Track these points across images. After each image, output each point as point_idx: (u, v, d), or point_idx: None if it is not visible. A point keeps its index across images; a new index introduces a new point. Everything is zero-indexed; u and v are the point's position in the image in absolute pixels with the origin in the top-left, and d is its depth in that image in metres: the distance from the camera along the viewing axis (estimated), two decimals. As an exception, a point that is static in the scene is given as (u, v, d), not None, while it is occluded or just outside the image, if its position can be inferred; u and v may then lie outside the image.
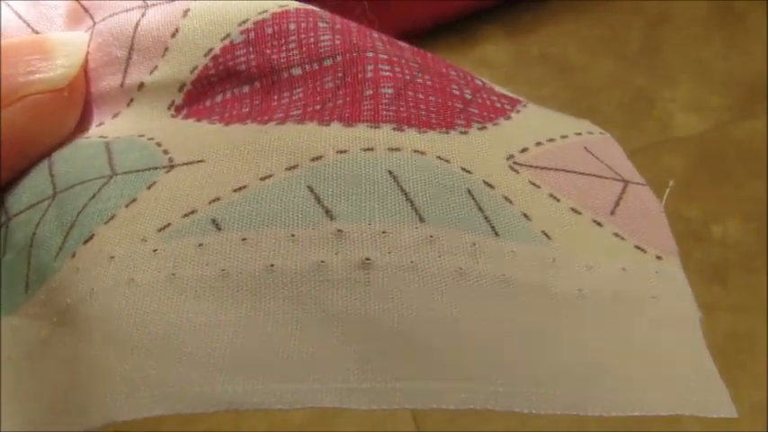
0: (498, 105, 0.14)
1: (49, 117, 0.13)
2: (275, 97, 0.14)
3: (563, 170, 0.14)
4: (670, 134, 0.61)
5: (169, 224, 0.12)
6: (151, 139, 0.13)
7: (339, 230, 0.11)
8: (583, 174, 0.14)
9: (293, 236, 0.11)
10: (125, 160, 0.13)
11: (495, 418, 0.53)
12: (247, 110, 0.14)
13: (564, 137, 0.14)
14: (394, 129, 0.13)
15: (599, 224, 0.13)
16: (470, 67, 0.68)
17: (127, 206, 0.12)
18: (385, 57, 0.14)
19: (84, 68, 0.14)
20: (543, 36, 0.67)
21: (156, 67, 0.14)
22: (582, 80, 0.64)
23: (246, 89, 0.14)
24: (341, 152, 0.12)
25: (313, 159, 0.12)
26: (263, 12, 0.14)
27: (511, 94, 0.15)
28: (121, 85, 0.14)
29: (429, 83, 0.14)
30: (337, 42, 0.14)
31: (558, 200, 0.13)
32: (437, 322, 0.11)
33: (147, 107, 0.14)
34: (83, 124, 0.15)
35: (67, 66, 0.13)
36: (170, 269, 0.11)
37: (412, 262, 0.11)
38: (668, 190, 0.14)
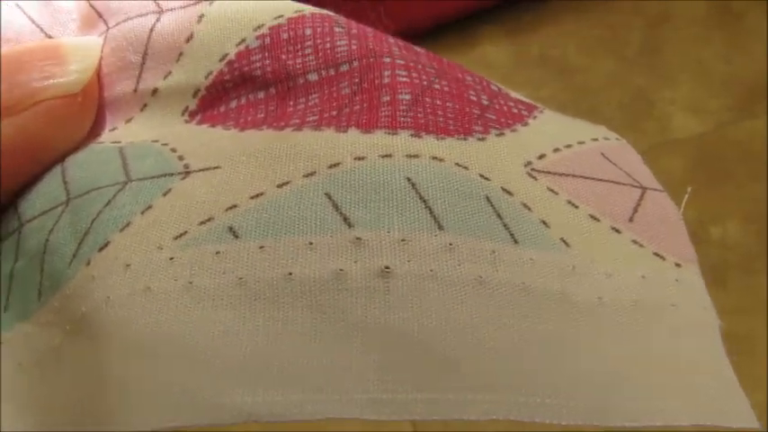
0: (515, 111, 0.14)
1: (63, 122, 0.13)
2: (291, 103, 0.13)
3: (581, 176, 0.14)
4: (669, 135, 0.61)
5: (186, 232, 0.12)
6: (165, 144, 0.13)
7: (358, 238, 0.11)
8: (600, 180, 0.14)
9: (311, 244, 0.11)
10: (140, 166, 0.13)
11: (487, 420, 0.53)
12: (263, 115, 0.13)
13: (581, 143, 0.14)
14: (412, 135, 0.13)
15: (617, 231, 0.13)
16: (470, 67, 0.68)
17: (142, 213, 0.12)
18: (402, 62, 0.14)
19: (98, 73, 0.14)
20: (543, 36, 0.67)
21: (170, 73, 0.14)
22: (582, 81, 0.64)
23: (262, 95, 0.14)
24: (359, 159, 0.12)
25: (331, 166, 0.12)
26: (279, 17, 0.14)
27: (527, 100, 0.15)
28: (135, 90, 0.14)
29: (446, 89, 0.14)
30: (354, 47, 0.14)
31: (577, 206, 0.13)
32: (457, 331, 0.11)
33: (160, 112, 0.14)
34: (95, 129, 0.14)
35: (81, 71, 0.13)
36: (187, 277, 0.11)
37: (431, 270, 0.11)
38: (686, 197, 0.14)
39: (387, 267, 0.11)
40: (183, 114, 0.14)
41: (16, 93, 0.12)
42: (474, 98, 0.14)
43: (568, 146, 0.14)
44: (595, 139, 0.15)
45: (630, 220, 0.13)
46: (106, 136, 0.14)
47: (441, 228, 0.12)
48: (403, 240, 0.11)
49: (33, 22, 0.15)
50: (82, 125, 0.14)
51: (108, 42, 0.15)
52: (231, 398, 0.10)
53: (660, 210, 0.14)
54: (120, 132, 0.14)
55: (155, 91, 0.14)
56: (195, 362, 0.10)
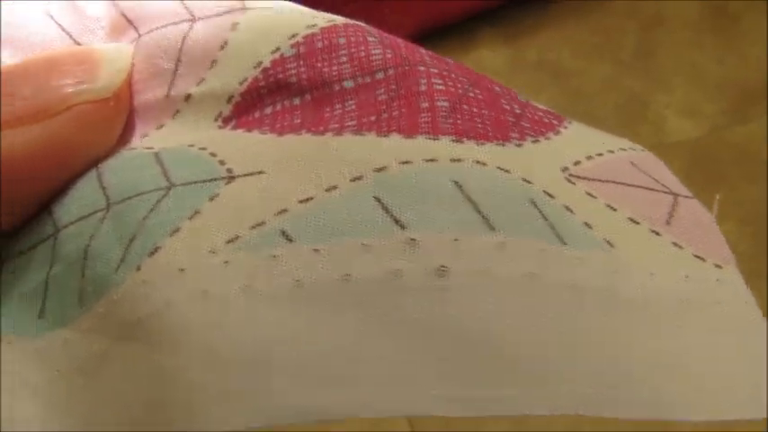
0: (546, 121, 0.15)
1: (96, 126, 0.13)
2: (327, 109, 0.14)
3: (615, 182, 0.14)
4: (665, 138, 0.61)
5: (238, 236, 0.12)
6: (203, 149, 0.13)
7: (412, 239, 0.11)
8: (634, 186, 0.14)
9: (365, 245, 0.11)
10: (181, 171, 0.13)
11: (489, 419, 0.53)
12: (299, 121, 0.14)
13: (611, 152, 0.15)
14: (453, 140, 0.13)
15: (657, 233, 0.14)
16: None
17: (190, 218, 0.12)
18: (436, 71, 0.14)
19: (129, 80, 0.14)
20: (539, 41, 0.67)
21: (203, 79, 0.14)
22: (577, 85, 0.64)
23: (297, 101, 0.14)
24: (404, 163, 0.12)
25: (377, 170, 0.12)
26: (312, 26, 0.14)
27: (553, 111, 0.15)
28: (167, 96, 0.14)
29: (480, 97, 0.14)
30: (388, 56, 0.14)
31: (615, 210, 0.13)
32: (515, 327, 0.11)
33: (193, 118, 0.14)
34: (126, 135, 0.15)
35: (113, 76, 0.13)
36: (243, 280, 0.11)
37: (486, 268, 0.11)
38: (716, 204, 0.14)
39: (443, 266, 0.11)
40: (216, 120, 0.14)
41: (48, 97, 0.12)
42: (507, 107, 0.14)
43: (600, 154, 0.15)
44: (623, 149, 0.15)
45: (667, 223, 0.14)
46: (137, 142, 0.14)
47: (491, 228, 0.12)
48: (456, 240, 0.11)
49: (63, 29, 0.15)
50: (113, 130, 0.14)
51: (139, 49, 0.15)
52: (305, 397, 0.10)
53: (694, 214, 0.14)
54: (152, 138, 0.14)
55: (188, 97, 0.14)
56: (263, 363, 0.11)
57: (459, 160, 0.12)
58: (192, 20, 0.15)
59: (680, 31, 0.66)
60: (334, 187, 0.12)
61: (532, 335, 0.11)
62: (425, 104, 0.13)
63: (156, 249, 0.12)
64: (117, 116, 0.14)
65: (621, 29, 0.66)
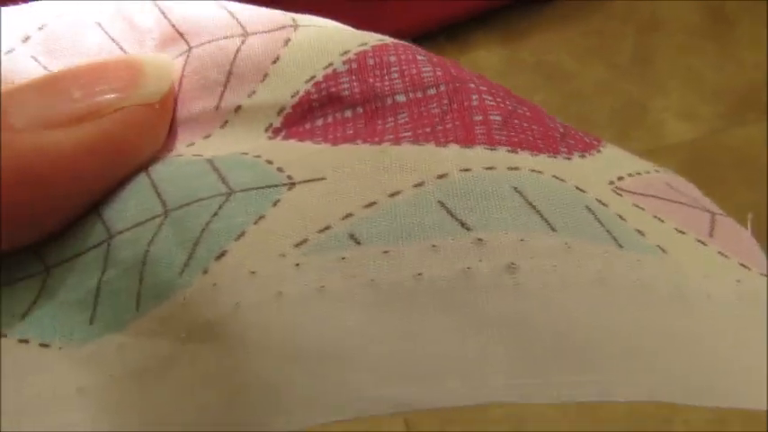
0: (587, 140, 0.15)
1: (142, 130, 0.14)
2: (380, 121, 0.14)
3: (657, 197, 0.15)
4: (662, 142, 0.61)
5: (306, 240, 0.12)
6: (258, 156, 0.14)
7: (479, 239, 0.12)
8: (674, 202, 0.15)
9: (434, 246, 0.12)
10: (239, 177, 0.13)
11: (488, 422, 0.53)
12: (352, 132, 0.14)
13: (647, 172, 0.15)
14: (509, 151, 0.13)
15: (703, 243, 0.14)
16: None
17: (255, 223, 0.12)
18: (485, 88, 0.14)
19: (176, 87, 0.15)
20: (536, 43, 0.67)
21: (254, 92, 0.15)
22: (573, 87, 0.64)
23: (349, 113, 0.14)
24: (465, 170, 0.13)
25: (438, 177, 0.13)
26: (364, 44, 0.15)
27: (589, 133, 0.16)
28: (216, 107, 0.15)
29: (528, 114, 0.14)
30: (438, 73, 0.14)
31: (663, 221, 0.14)
32: (590, 320, 0.11)
33: (242, 129, 0.15)
34: (171, 143, 0.15)
35: (159, 83, 0.14)
36: (317, 282, 0.12)
37: (554, 266, 0.12)
38: (749, 222, 0.15)
39: (513, 263, 0.12)
40: (266, 131, 0.15)
41: (97, 100, 0.13)
42: (552, 125, 0.14)
43: (638, 173, 0.15)
44: (657, 171, 0.16)
45: (710, 236, 0.14)
46: (184, 150, 0.15)
47: (554, 230, 0.12)
48: (522, 240, 0.12)
49: (113, 39, 0.15)
50: (158, 134, 0.14)
51: (191, 61, 0.15)
52: (388, 390, 0.11)
53: (733, 230, 0.14)
54: (198, 147, 0.15)
55: (238, 108, 0.15)
56: (344, 360, 0.11)
57: (516, 168, 0.13)
58: (245, 35, 0.15)
59: (677, 35, 0.66)
60: (398, 192, 0.12)
61: (607, 327, 0.11)
62: (479, 118, 0.14)
63: (223, 253, 0.12)
64: (162, 121, 0.14)
65: (618, 32, 0.67)
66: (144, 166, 0.14)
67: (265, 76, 0.15)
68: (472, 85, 0.14)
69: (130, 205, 0.14)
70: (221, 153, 0.14)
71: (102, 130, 0.13)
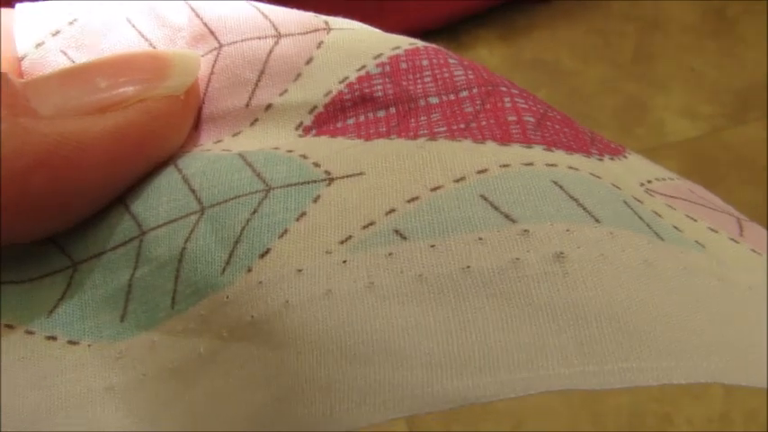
0: (613, 146, 0.16)
1: (166, 121, 0.14)
2: (413, 120, 0.14)
3: (685, 200, 0.15)
4: (662, 140, 0.61)
5: (350, 236, 0.12)
6: (290, 151, 0.14)
7: (525, 230, 0.12)
8: (701, 205, 0.15)
9: (481, 239, 0.12)
10: (275, 173, 0.13)
11: (488, 420, 0.53)
12: (384, 130, 0.14)
13: (671, 179, 0.16)
14: (545, 149, 0.13)
15: (735, 241, 0.14)
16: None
17: (297, 220, 0.12)
18: (516, 92, 0.15)
19: (204, 83, 0.15)
20: (537, 41, 0.67)
21: (286, 90, 0.15)
22: (575, 86, 0.64)
23: (382, 113, 0.14)
24: (504, 166, 0.13)
25: (479, 172, 0.13)
26: (397, 48, 0.15)
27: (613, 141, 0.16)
28: (247, 105, 0.15)
29: (558, 117, 0.15)
30: (471, 77, 0.15)
31: (695, 220, 0.14)
32: (641, 306, 0.11)
33: (272, 127, 0.15)
34: (198, 138, 0.15)
35: (185, 76, 0.14)
36: (366, 279, 0.12)
37: (602, 254, 0.12)
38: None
39: (561, 253, 0.12)
40: (296, 129, 0.15)
41: (123, 90, 0.13)
42: (580, 129, 0.15)
43: (663, 179, 0.16)
44: (679, 178, 0.16)
45: (741, 235, 0.14)
46: (211, 146, 0.15)
47: (597, 221, 0.12)
48: (568, 230, 0.12)
49: (143, 36, 0.15)
50: (184, 125, 0.14)
51: (221, 59, 0.15)
52: (442, 385, 0.11)
53: (759, 233, 0.15)
54: (227, 144, 0.15)
55: (269, 107, 0.15)
56: (397, 356, 0.11)
57: (554, 165, 0.13)
58: (278, 36, 0.15)
59: (678, 34, 0.66)
60: (440, 187, 0.12)
61: (660, 311, 0.11)
62: (513, 118, 0.14)
63: (267, 251, 0.12)
64: (186, 114, 0.14)
65: (620, 31, 0.67)
66: (171, 160, 0.14)
67: (298, 75, 0.15)
68: (504, 89, 0.14)
69: (162, 201, 0.14)
70: (252, 149, 0.14)
71: (127, 120, 0.13)
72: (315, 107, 0.15)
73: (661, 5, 0.67)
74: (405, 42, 0.15)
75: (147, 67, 0.14)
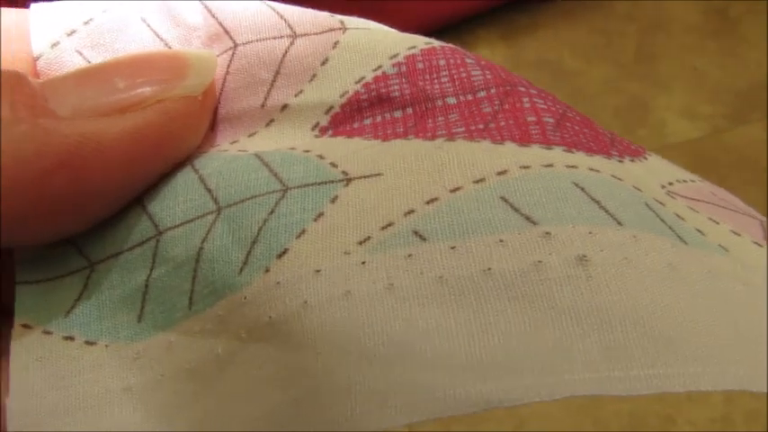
0: (633, 147, 0.15)
1: (184, 121, 0.14)
2: (430, 120, 0.14)
3: (707, 202, 0.15)
4: (665, 141, 0.61)
5: (369, 237, 0.12)
6: (307, 151, 0.14)
7: (547, 233, 0.12)
8: (724, 208, 0.15)
9: (502, 241, 0.12)
10: (291, 173, 0.13)
11: (489, 421, 0.53)
12: (402, 130, 0.14)
13: (693, 181, 0.16)
14: (565, 150, 0.13)
15: (759, 245, 0.14)
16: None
17: (315, 220, 0.12)
18: (535, 92, 0.14)
19: (220, 84, 0.15)
20: (539, 41, 0.67)
21: (302, 91, 0.15)
22: (577, 86, 0.64)
23: (399, 114, 0.14)
24: (524, 167, 0.13)
25: (498, 173, 0.13)
26: (413, 47, 0.15)
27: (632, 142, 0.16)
28: (262, 105, 0.15)
29: (578, 118, 0.15)
30: (488, 77, 0.14)
31: (718, 223, 0.14)
32: (664, 311, 0.11)
33: (288, 127, 0.15)
34: (214, 139, 0.15)
35: (202, 77, 0.14)
36: (385, 280, 0.12)
37: (625, 258, 0.12)
38: None
39: (584, 255, 0.12)
40: (313, 129, 0.14)
41: (141, 90, 0.13)
42: (600, 130, 0.14)
43: (685, 180, 0.15)
44: (701, 180, 0.16)
45: (765, 239, 0.14)
46: (227, 146, 0.15)
47: (620, 224, 0.12)
48: (590, 233, 0.12)
49: (158, 36, 0.15)
50: (200, 127, 0.14)
51: (237, 59, 0.15)
52: (464, 388, 0.10)
53: None
54: (243, 144, 0.15)
55: (284, 107, 0.15)
56: (417, 358, 0.11)
57: (574, 167, 0.13)
58: (294, 36, 0.15)
59: (680, 34, 0.66)
60: (459, 188, 0.12)
61: (685, 316, 0.11)
62: (532, 118, 0.14)
63: (285, 251, 0.12)
64: (203, 114, 0.14)
65: (622, 31, 0.66)
66: (187, 160, 0.14)
67: (314, 76, 0.15)
68: (522, 89, 0.14)
69: (179, 201, 0.13)
70: (268, 149, 0.14)
71: (145, 121, 0.13)
72: (331, 107, 0.14)
73: (663, 5, 0.67)
74: (421, 42, 0.15)
75: (164, 67, 0.14)
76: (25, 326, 0.13)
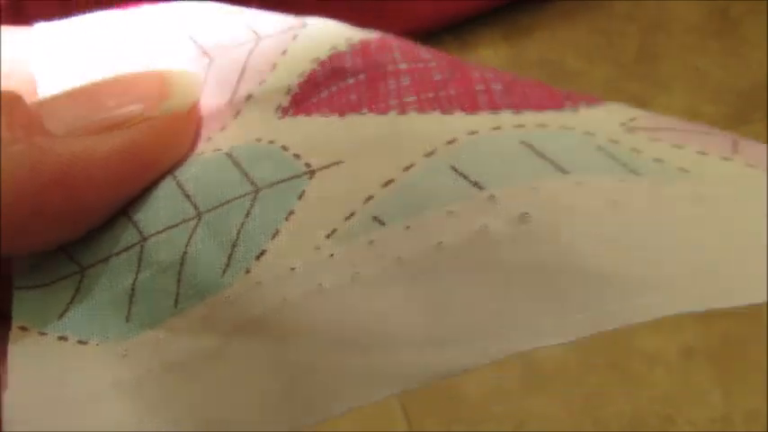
0: (594, 98, 0.16)
1: (170, 139, 0.14)
2: (382, 84, 0.14)
3: (676, 129, 0.15)
4: (665, 141, 0.61)
5: (335, 229, 0.13)
6: (271, 142, 0.14)
7: (492, 196, 0.12)
8: (694, 131, 0.15)
9: (451, 212, 0.12)
10: (260, 172, 0.14)
11: (490, 421, 0.53)
12: (355, 97, 0.14)
13: (657, 114, 0.16)
14: (513, 112, 0.14)
15: (728, 159, 0.14)
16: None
17: (287, 219, 0.13)
18: (482, 67, 0.15)
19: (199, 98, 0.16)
20: (540, 41, 0.67)
21: (264, 80, 0.15)
22: (578, 86, 0.64)
23: (352, 81, 0.15)
24: (472, 133, 0.13)
25: (448, 143, 0.13)
26: (368, 35, 0.16)
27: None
28: (230, 101, 0.15)
29: (529, 82, 0.15)
30: (438, 56, 0.15)
31: (682, 147, 0.14)
32: (606, 251, 0.12)
33: (254, 115, 0.15)
34: (193, 145, 0.16)
35: (187, 94, 0.15)
36: (351, 269, 0.12)
37: (568, 205, 0.12)
38: None
39: (525, 213, 0.12)
40: (276, 111, 0.15)
41: (129, 109, 0.14)
42: (556, 90, 0.15)
43: (649, 117, 0.15)
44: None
45: (735, 152, 0.14)
46: (203, 145, 0.15)
47: (565, 172, 0.12)
48: (533, 188, 0.12)
49: (138, 59, 0.16)
50: (186, 141, 0.15)
51: (211, 70, 0.16)
52: (426, 360, 0.11)
53: (757, 147, 0.14)
54: (216, 140, 0.15)
55: (249, 97, 0.15)
56: (384, 340, 0.12)
57: (522, 126, 0.13)
58: (258, 39, 0.16)
59: (681, 34, 0.66)
60: (412, 165, 0.13)
61: (622, 252, 0.12)
62: (481, 87, 0.14)
63: (263, 252, 0.13)
64: (188, 131, 0.15)
65: (623, 31, 0.66)
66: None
67: (274, 66, 0.15)
68: (471, 65, 0.15)
69: (160, 207, 0.14)
70: (238, 142, 0.15)
71: (132, 139, 0.14)
72: (290, 89, 0.15)
73: (664, 5, 0.67)
74: (377, 33, 0.16)
75: (150, 85, 0.14)
76: (22, 328, 0.14)
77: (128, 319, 0.14)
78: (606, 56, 0.65)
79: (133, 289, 0.14)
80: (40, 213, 0.13)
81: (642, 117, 0.15)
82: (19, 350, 0.14)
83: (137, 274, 0.14)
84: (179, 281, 0.13)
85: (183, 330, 0.13)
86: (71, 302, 0.14)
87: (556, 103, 0.14)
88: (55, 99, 0.14)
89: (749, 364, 0.53)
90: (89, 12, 0.16)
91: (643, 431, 0.51)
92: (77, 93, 0.14)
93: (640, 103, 0.64)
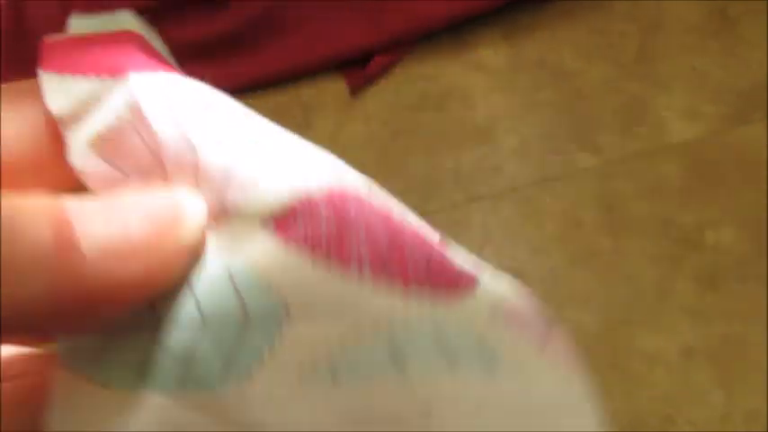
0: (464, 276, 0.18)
1: (180, 265, 0.15)
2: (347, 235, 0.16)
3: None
4: (664, 140, 0.61)
5: (301, 376, 0.15)
6: (260, 275, 0.16)
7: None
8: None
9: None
10: (255, 306, 0.15)
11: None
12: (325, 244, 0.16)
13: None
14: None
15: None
16: (466, 70, 0.68)
17: (270, 350, 0.15)
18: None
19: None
20: (540, 41, 0.67)
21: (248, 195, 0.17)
22: (577, 86, 0.64)
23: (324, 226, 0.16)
24: (406, 319, 0.15)
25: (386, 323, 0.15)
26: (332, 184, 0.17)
27: None
28: (222, 204, 0.16)
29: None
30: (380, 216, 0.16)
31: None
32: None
33: (243, 228, 0.16)
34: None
35: (196, 228, 0.15)
36: (309, 414, 0.15)
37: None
38: None
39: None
40: (262, 225, 0.16)
41: (147, 235, 0.14)
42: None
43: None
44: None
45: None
46: (207, 244, 0.16)
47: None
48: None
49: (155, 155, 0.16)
50: (193, 263, 0.15)
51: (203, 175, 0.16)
52: None
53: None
54: (213, 239, 0.16)
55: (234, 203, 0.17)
56: None
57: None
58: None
59: (680, 34, 0.66)
60: (361, 335, 0.15)
61: None
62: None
63: (250, 377, 0.15)
64: (197, 254, 0.15)
65: (622, 31, 0.66)
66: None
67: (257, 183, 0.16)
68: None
69: (179, 315, 0.15)
70: (236, 261, 0.15)
71: (147, 268, 0.14)
72: (273, 212, 0.16)
73: (663, 5, 0.67)
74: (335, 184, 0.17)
75: (165, 210, 0.14)
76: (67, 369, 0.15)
77: (146, 381, 0.15)
78: (606, 56, 0.65)
79: (150, 360, 0.15)
80: (57, 315, 0.13)
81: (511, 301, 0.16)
82: (62, 390, 0.14)
83: (154, 349, 0.15)
84: (187, 370, 0.15)
85: (184, 407, 0.15)
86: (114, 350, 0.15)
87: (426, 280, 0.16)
88: (88, 206, 0.13)
89: (749, 364, 0.53)
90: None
91: (643, 431, 0.51)
92: (110, 205, 0.14)
93: (640, 102, 0.64)
